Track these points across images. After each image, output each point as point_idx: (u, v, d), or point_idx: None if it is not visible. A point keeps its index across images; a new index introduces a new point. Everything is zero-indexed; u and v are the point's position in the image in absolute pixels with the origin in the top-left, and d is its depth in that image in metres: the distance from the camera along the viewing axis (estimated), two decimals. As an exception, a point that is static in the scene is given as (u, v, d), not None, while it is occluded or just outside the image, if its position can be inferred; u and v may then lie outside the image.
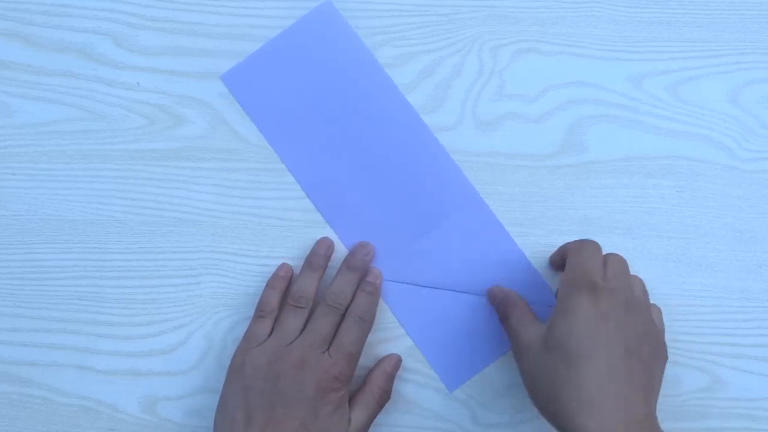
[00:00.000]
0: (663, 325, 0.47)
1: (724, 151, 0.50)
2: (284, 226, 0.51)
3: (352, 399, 0.47)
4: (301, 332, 0.47)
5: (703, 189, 0.50)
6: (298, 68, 0.51)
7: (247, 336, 0.47)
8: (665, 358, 0.44)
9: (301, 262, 0.50)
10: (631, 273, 0.45)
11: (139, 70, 0.51)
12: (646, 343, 0.42)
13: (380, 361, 0.49)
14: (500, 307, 0.48)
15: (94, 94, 0.51)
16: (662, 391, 0.48)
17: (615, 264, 0.45)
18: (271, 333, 0.47)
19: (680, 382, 0.49)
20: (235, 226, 0.51)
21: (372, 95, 0.51)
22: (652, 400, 0.42)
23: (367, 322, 0.48)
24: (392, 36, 0.51)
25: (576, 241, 0.46)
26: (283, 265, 0.50)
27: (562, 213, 0.50)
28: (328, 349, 0.46)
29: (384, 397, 0.48)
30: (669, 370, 0.49)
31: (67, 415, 0.50)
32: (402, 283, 0.50)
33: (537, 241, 0.50)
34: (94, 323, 0.51)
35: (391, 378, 0.49)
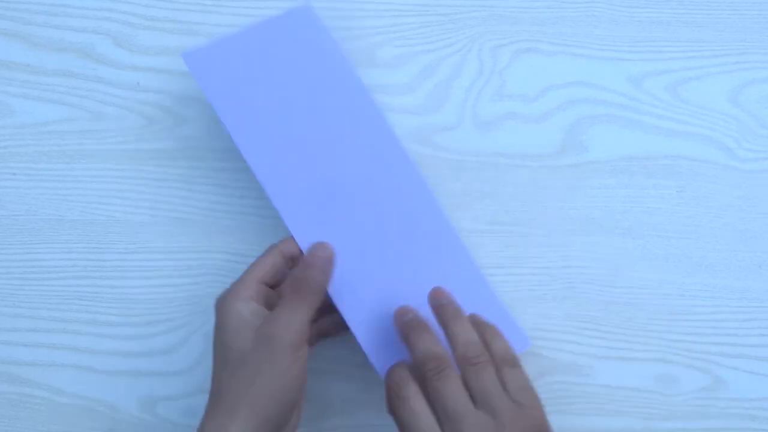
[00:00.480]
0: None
1: (724, 151, 0.50)
2: (284, 226, 0.51)
3: None
4: None
5: (703, 189, 0.50)
6: (267, 63, 0.47)
7: None
8: None
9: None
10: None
11: (139, 70, 0.51)
12: None
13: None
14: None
15: (94, 94, 0.51)
16: (662, 390, 0.48)
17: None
18: None
19: (680, 382, 0.49)
20: (235, 226, 0.51)
21: (342, 109, 0.47)
22: None
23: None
24: (392, 36, 0.51)
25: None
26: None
27: (562, 213, 0.50)
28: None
29: (303, 285, 0.42)
30: (669, 370, 0.49)
31: (67, 415, 0.50)
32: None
33: (537, 242, 0.50)
34: (94, 323, 0.51)
35: (307, 263, 0.43)
